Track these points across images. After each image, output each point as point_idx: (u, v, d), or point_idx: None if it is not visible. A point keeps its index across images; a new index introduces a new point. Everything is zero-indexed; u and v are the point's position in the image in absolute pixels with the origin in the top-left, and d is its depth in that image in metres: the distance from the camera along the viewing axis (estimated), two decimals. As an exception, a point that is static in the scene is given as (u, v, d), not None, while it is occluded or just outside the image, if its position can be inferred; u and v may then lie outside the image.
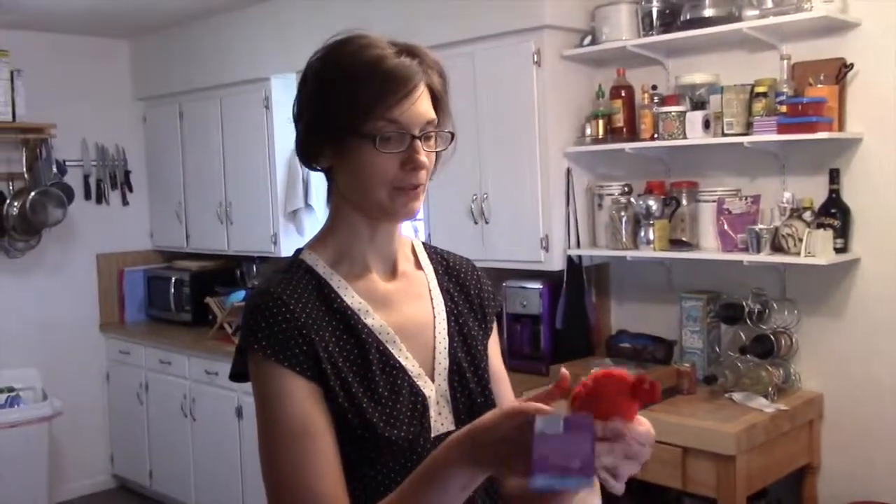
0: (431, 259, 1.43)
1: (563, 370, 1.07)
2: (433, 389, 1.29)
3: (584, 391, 1.01)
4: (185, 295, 5.16)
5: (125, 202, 5.48)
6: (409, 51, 1.27)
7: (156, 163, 5.49)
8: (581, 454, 0.90)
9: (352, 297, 1.28)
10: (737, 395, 3.03)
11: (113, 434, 5.40)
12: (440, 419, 1.28)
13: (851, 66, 2.95)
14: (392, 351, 1.27)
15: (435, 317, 1.35)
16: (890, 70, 2.91)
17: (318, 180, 4.59)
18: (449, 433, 1.27)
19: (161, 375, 4.96)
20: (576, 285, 3.57)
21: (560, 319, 3.59)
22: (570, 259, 3.54)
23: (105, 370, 5.38)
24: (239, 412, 4.37)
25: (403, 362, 1.28)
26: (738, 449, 2.73)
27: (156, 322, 5.42)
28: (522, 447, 0.95)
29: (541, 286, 3.63)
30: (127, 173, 5.48)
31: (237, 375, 1.28)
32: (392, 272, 1.35)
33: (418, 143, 1.24)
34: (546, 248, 3.50)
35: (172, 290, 5.22)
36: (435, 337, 1.34)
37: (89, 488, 5.32)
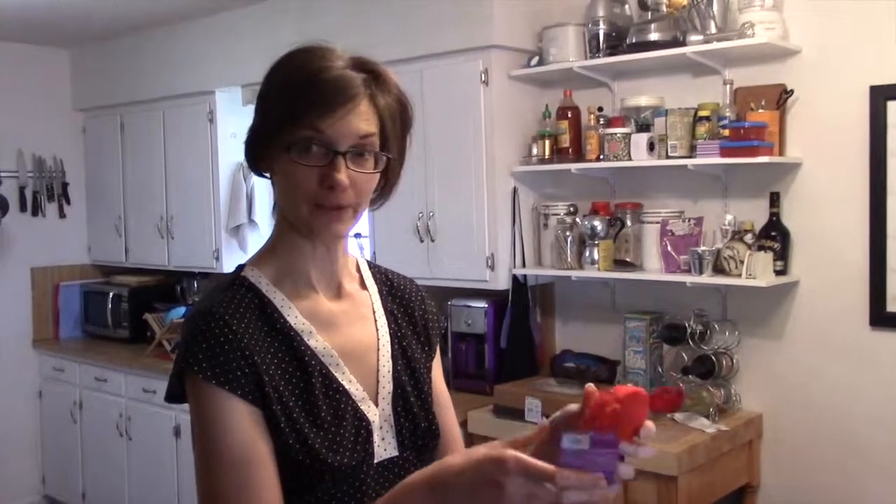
0: (375, 278, 1.40)
1: (590, 387, 1.02)
2: (377, 414, 1.26)
3: (612, 411, 0.98)
4: (123, 311, 5.04)
5: (62, 215, 5.35)
6: (363, 66, 1.23)
7: (95, 175, 5.37)
8: (606, 470, 0.97)
9: (295, 318, 1.24)
10: (679, 416, 3.05)
11: (45, 453, 5.23)
12: (383, 444, 1.26)
13: (791, 91, 3.01)
14: (335, 374, 1.24)
15: (379, 339, 1.33)
16: (828, 96, 2.98)
17: (263, 195, 4.55)
18: (392, 459, 1.26)
19: (96, 393, 4.83)
20: (521, 305, 3.57)
21: (505, 339, 3.58)
22: (515, 278, 3.55)
23: (37, 387, 5.22)
24: (177, 431, 4.27)
25: (347, 386, 1.24)
26: (679, 469, 2.74)
27: (92, 338, 5.28)
28: (502, 494, 0.95)
29: (486, 305, 3.62)
30: (65, 185, 5.35)
31: (173, 397, 1.23)
32: (336, 291, 1.31)
33: (340, 159, 1.18)
34: (491, 268, 3.50)
35: (110, 306, 5.10)
36: (379, 360, 1.31)
37: (18, 510, 5.15)
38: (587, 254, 3.32)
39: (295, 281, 1.27)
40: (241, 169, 4.53)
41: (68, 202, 5.36)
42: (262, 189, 4.61)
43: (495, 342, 3.60)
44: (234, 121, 4.52)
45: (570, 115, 3.43)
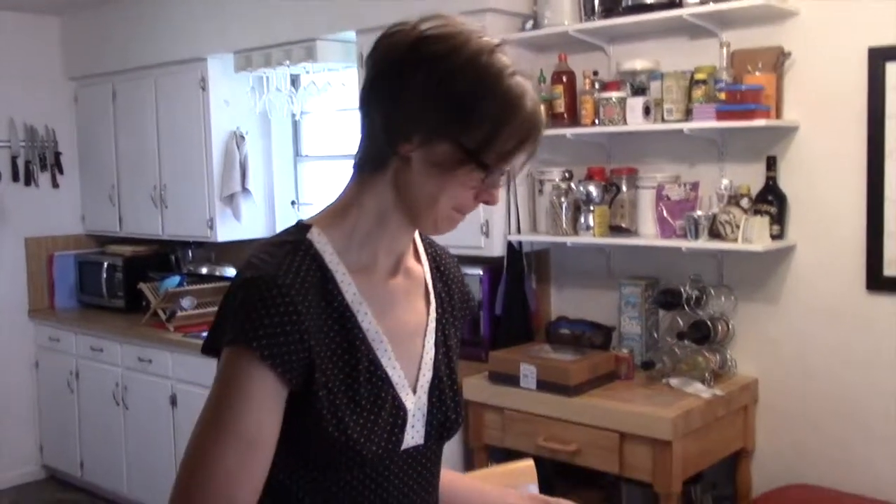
0: (427, 253, 1.38)
1: None
2: (413, 403, 1.25)
3: None
4: (118, 280, 5.02)
5: (55, 184, 5.31)
6: (523, 72, 1.20)
7: (88, 144, 5.33)
8: None
9: (353, 295, 1.20)
10: (674, 381, 3.05)
11: (42, 423, 5.25)
12: (412, 432, 1.25)
13: (789, 54, 2.98)
14: (381, 360, 1.22)
15: (427, 323, 1.31)
16: (826, 58, 2.94)
17: (256, 163, 4.52)
18: (416, 447, 1.26)
19: (92, 363, 4.82)
20: (516, 271, 3.56)
21: (500, 306, 3.57)
22: (510, 245, 3.53)
23: (34, 357, 5.22)
24: (173, 400, 4.27)
25: (390, 373, 1.23)
26: (674, 434, 2.74)
27: (87, 308, 5.27)
28: None
29: (481, 272, 3.60)
30: (57, 155, 5.31)
31: (210, 350, 1.19)
32: (396, 267, 1.29)
33: (502, 179, 1.21)
34: (486, 234, 3.48)
35: (105, 276, 5.08)
36: (423, 346, 1.29)
37: (17, 479, 5.16)
38: (582, 220, 3.30)
39: (360, 252, 1.23)
40: (234, 137, 4.50)
41: (61, 172, 5.32)
42: (256, 157, 4.58)
43: (490, 309, 3.59)
44: (226, 88, 4.48)
45: (565, 80, 3.39)
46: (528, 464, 1.82)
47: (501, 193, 1.25)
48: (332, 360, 1.17)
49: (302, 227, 1.23)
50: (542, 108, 1.21)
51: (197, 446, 1.12)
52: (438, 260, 1.39)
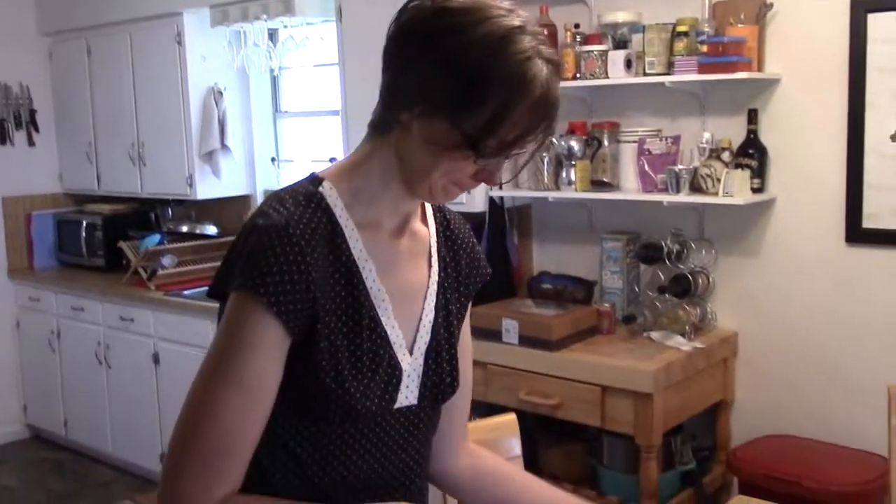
0: (436, 217, 1.36)
1: None
2: (409, 363, 1.26)
3: None
4: (98, 239, 4.98)
5: (31, 143, 5.23)
6: (551, 58, 1.14)
7: (63, 102, 5.24)
8: None
9: (359, 251, 1.20)
10: (655, 334, 3.07)
11: (25, 383, 5.23)
12: (406, 392, 1.26)
13: (771, 5, 2.95)
14: (382, 318, 1.22)
15: (429, 287, 1.31)
16: (808, 10, 2.92)
17: (234, 120, 4.47)
18: (409, 406, 1.27)
19: (73, 322, 4.80)
20: (498, 227, 3.55)
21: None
22: (492, 200, 3.52)
23: (15, 318, 5.18)
24: (156, 358, 4.26)
25: (389, 332, 1.23)
26: (655, 387, 2.77)
27: (67, 267, 5.22)
28: None
29: (463, 228, 3.59)
30: (32, 112, 5.22)
31: (217, 295, 1.20)
32: (401, 227, 1.28)
33: (504, 162, 1.17)
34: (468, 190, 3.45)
35: (84, 235, 5.03)
36: (423, 308, 1.29)
37: (2, 439, 5.15)
38: (564, 174, 3.29)
39: (367, 208, 1.22)
40: (212, 93, 4.44)
41: (37, 130, 5.24)
42: (234, 113, 4.53)
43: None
44: (203, 43, 4.41)
45: (545, 33, 3.35)
46: (511, 417, 1.83)
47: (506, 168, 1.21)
48: (336, 313, 1.17)
49: (315, 180, 1.22)
50: (557, 95, 1.13)
51: (199, 395, 1.12)
52: (448, 225, 1.38)
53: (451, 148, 1.12)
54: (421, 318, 1.29)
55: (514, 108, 1.09)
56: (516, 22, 1.11)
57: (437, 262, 1.33)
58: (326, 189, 1.20)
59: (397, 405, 1.25)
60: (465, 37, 1.09)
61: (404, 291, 1.26)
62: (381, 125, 1.20)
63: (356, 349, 1.19)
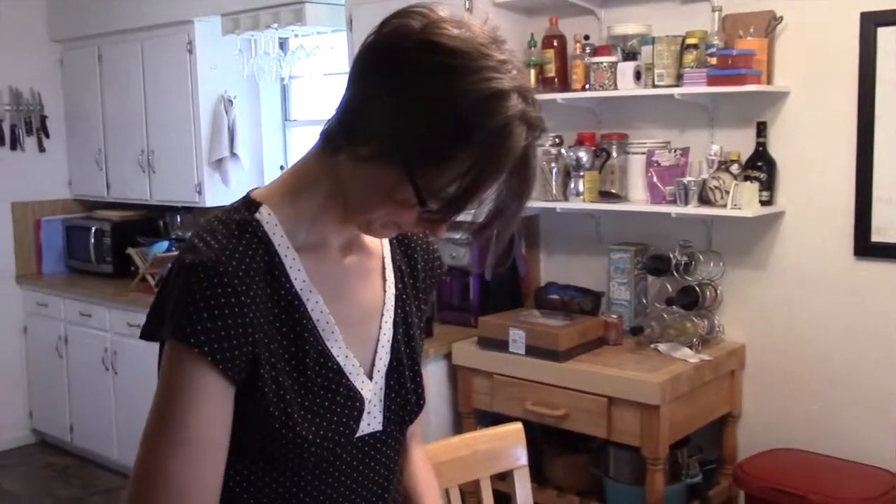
0: None
1: None
2: (370, 389, 1.19)
3: None
4: (106, 246, 5.00)
5: (41, 149, 5.26)
6: (536, 123, 1.03)
7: (74, 108, 5.27)
8: None
9: (301, 281, 1.12)
10: (662, 346, 3.06)
11: (31, 388, 5.24)
12: (368, 419, 1.18)
13: (781, 19, 2.96)
14: (332, 348, 1.14)
15: (385, 302, 1.23)
16: (818, 24, 2.92)
17: (244, 128, 4.48)
18: (373, 433, 1.20)
19: (81, 328, 4.81)
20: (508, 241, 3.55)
21: (489, 271, 3.57)
22: (500, 210, 3.51)
23: (22, 323, 5.20)
24: (162, 365, 4.26)
25: (342, 362, 1.15)
26: (662, 399, 2.76)
27: (75, 273, 5.24)
28: None
29: (470, 237, 3.59)
30: (43, 119, 5.25)
31: (152, 337, 1.10)
32: (349, 246, 1.20)
33: (452, 218, 1.07)
34: (476, 199, 3.46)
35: (93, 241, 5.05)
36: (380, 328, 1.22)
37: (7, 444, 5.16)
38: (572, 185, 3.29)
39: (309, 231, 1.13)
40: (222, 101, 4.46)
41: (47, 136, 5.26)
42: (244, 121, 4.54)
43: (480, 275, 3.59)
44: (213, 51, 4.43)
45: (555, 44, 3.37)
46: (517, 427, 1.83)
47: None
48: (279, 352, 1.09)
49: (251, 204, 1.13)
50: (534, 167, 1.05)
51: (147, 465, 1.06)
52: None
53: (399, 194, 1.03)
54: (378, 339, 1.21)
55: (487, 177, 1.00)
56: (506, 83, 0.99)
57: (391, 275, 1.25)
58: (264, 215, 1.11)
59: (360, 433, 1.17)
60: (451, 85, 0.97)
61: (357, 314, 1.18)
62: (333, 141, 1.08)
63: (302, 387, 1.11)
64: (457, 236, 1.15)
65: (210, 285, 1.03)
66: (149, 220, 5.11)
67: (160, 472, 1.04)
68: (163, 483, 1.04)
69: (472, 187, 1.00)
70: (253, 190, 1.19)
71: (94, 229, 5.05)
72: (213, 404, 1.05)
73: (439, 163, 0.99)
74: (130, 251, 4.73)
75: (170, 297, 1.06)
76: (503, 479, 1.84)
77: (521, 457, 1.82)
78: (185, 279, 1.04)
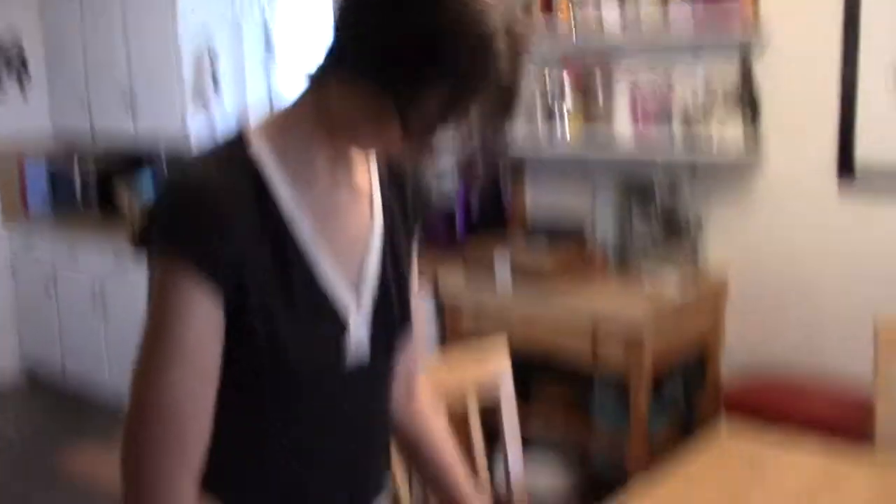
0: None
1: None
2: (355, 315, 1.18)
3: None
4: (92, 185, 4.98)
5: (23, 90, 5.20)
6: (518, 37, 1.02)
7: (55, 49, 5.20)
8: None
9: (289, 206, 1.12)
10: (646, 276, 3.10)
11: (21, 330, 5.26)
12: (355, 346, 1.19)
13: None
14: (319, 273, 1.14)
15: (373, 232, 1.23)
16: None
17: (227, 65, 4.43)
18: (361, 367, 1.20)
19: (70, 269, 4.82)
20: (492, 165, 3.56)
21: (474, 200, 3.58)
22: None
23: (10, 264, 5.20)
24: (152, 303, 4.28)
25: (329, 286, 1.15)
26: (646, 329, 2.80)
27: (62, 214, 5.23)
28: None
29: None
30: (23, 60, 5.18)
31: (141, 244, 1.10)
32: (339, 178, 1.19)
33: (430, 142, 1.06)
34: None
35: (78, 181, 5.03)
36: (368, 258, 1.21)
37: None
38: (557, 121, 3.29)
39: (298, 163, 1.13)
40: (204, 38, 4.41)
41: (29, 77, 5.20)
42: (227, 59, 4.50)
43: (466, 204, 3.60)
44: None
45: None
46: (500, 340, 1.85)
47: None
48: (267, 273, 1.09)
49: (242, 140, 1.13)
50: (520, 91, 1.03)
51: (144, 381, 1.06)
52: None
53: (383, 118, 1.03)
54: (366, 269, 1.21)
55: (466, 96, 1.00)
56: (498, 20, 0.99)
57: (380, 206, 1.25)
58: (255, 150, 1.12)
59: (350, 367, 1.18)
60: (432, 29, 0.98)
61: (344, 243, 1.18)
62: (322, 73, 1.10)
63: (291, 309, 1.11)
64: (443, 161, 1.15)
65: (198, 203, 1.04)
66: (134, 159, 5.08)
67: (160, 391, 1.05)
68: (156, 397, 1.05)
69: (453, 104, 1.00)
70: (243, 124, 1.18)
71: (78, 170, 5.05)
72: (205, 313, 1.05)
73: (419, 78, 0.98)
74: (116, 190, 4.70)
75: (159, 214, 1.08)
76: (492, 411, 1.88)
77: (504, 368, 1.84)
78: (175, 197, 1.06)
